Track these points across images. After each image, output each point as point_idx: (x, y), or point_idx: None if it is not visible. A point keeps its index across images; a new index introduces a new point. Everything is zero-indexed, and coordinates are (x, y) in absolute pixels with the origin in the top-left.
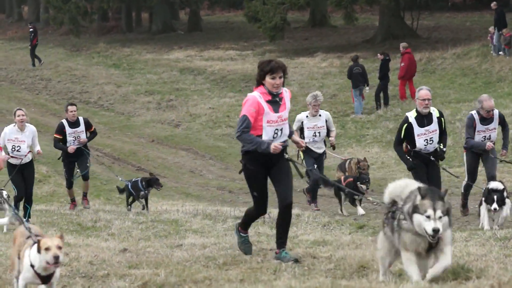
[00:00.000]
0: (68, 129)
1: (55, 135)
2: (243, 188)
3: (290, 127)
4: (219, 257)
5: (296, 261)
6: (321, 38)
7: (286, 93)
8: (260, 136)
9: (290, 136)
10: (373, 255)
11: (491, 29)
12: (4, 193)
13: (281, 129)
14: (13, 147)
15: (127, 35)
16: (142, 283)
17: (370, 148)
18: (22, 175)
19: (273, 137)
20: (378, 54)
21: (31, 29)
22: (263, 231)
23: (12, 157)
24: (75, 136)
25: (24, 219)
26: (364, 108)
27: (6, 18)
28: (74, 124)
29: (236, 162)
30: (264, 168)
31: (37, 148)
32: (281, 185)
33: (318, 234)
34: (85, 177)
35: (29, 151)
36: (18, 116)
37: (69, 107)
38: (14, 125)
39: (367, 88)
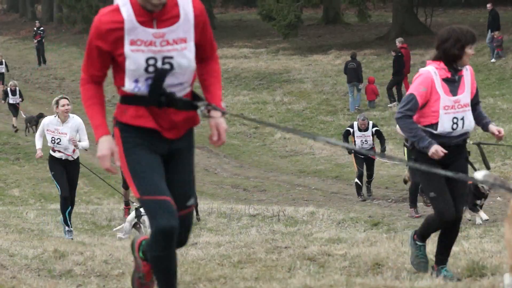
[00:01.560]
0: None
1: None
2: (258, 186)
3: (483, 115)
4: (234, 255)
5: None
6: (335, 36)
7: (467, 71)
8: (435, 125)
9: (485, 127)
10: (388, 252)
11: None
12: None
13: (462, 118)
14: (53, 139)
15: None
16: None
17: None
18: (66, 174)
19: (452, 129)
20: (392, 51)
21: (35, 27)
22: (277, 229)
23: (55, 150)
24: None
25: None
26: (378, 105)
27: (19, 17)
28: None
29: (250, 160)
30: (440, 165)
31: (85, 143)
32: (453, 194)
33: (332, 231)
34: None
35: (75, 147)
36: (62, 105)
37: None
38: (55, 116)
39: (360, 85)
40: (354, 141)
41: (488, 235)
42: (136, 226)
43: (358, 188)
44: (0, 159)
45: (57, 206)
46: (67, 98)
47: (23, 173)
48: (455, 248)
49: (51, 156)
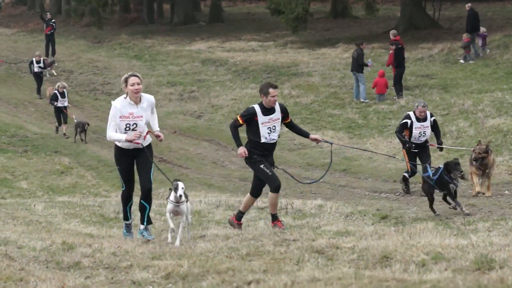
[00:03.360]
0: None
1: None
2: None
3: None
4: (242, 248)
5: None
6: (343, 29)
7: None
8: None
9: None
10: (396, 245)
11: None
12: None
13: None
14: (128, 125)
15: (149, 26)
16: (165, 274)
17: (392, 138)
18: (136, 164)
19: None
20: (390, 45)
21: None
22: (286, 222)
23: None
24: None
25: (143, 226)
26: (386, 99)
27: (28, 10)
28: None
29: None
30: None
31: (156, 128)
32: None
33: (341, 224)
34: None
35: (148, 131)
36: (132, 84)
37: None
38: (126, 97)
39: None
40: (409, 134)
41: (496, 228)
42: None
43: (405, 179)
44: (8, 151)
45: (64, 198)
46: (138, 76)
47: (31, 166)
48: (463, 241)
49: (117, 147)
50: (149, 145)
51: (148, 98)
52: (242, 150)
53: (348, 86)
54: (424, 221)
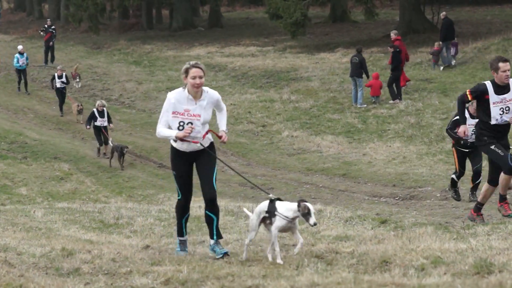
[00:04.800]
0: None
1: None
2: (265, 184)
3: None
4: (242, 253)
5: None
6: (342, 34)
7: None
8: None
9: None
10: (395, 250)
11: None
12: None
13: None
14: (181, 124)
15: (147, 32)
16: (164, 279)
17: (392, 143)
18: (196, 170)
19: None
20: (389, 47)
21: (45, 25)
22: None
23: (181, 140)
24: None
25: (213, 241)
26: (384, 103)
27: (26, 16)
28: None
29: (258, 158)
30: None
31: (223, 127)
32: None
33: (340, 229)
34: None
35: (209, 130)
36: (193, 77)
37: None
38: (184, 89)
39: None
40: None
41: (496, 232)
42: (265, 221)
43: (454, 183)
44: (8, 157)
45: (64, 205)
46: (201, 68)
47: (31, 172)
48: (462, 245)
49: (174, 149)
50: (211, 146)
51: (210, 95)
52: (463, 128)
53: (347, 91)
54: (424, 225)
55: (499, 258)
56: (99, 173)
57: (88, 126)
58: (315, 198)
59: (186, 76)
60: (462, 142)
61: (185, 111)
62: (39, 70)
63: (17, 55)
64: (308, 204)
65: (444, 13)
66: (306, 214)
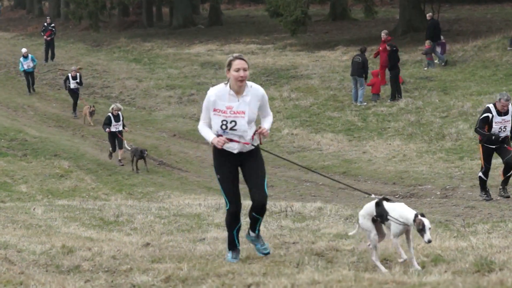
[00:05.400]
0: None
1: None
2: None
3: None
4: (242, 251)
5: None
6: (342, 32)
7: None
8: None
9: None
10: (395, 248)
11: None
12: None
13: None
14: (224, 123)
15: (148, 29)
16: (165, 277)
17: (392, 141)
18: (243, 173)
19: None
20: (386, 45)
21: (45, 23)
22: (285, 225)
23: (230, 139)
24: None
25: (254, 234)
26: (384, 101)
27: (26, 13)
28: None
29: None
30: None
31: (267, 124)
32: None
33: (340, 227)
34: None
35: (256, 131)
36: (237, 70)
37: None
38: (226, 84)
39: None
40: (488, 130)
41: (496, 230)
42: (375, 221)
43: (483, 183)
44: (8, 155)
45: (64, 202)
46: (245, 60)
47: (31, 169)
48: (462, 244)
49: (216, 150)
50: (258, 148)
51: (255, 90)
52: None
53: (347, 89)
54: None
55: (499, 256)
56: (99, 170)
57: (107, 129)
58: (315, 196)
59: (229, 69)
60: (493, 137)
61: (227, 109)
62: (39, 67)
63: (21, 58)
64: (424, 220)
65: (430, 14)
66: (420, 230)
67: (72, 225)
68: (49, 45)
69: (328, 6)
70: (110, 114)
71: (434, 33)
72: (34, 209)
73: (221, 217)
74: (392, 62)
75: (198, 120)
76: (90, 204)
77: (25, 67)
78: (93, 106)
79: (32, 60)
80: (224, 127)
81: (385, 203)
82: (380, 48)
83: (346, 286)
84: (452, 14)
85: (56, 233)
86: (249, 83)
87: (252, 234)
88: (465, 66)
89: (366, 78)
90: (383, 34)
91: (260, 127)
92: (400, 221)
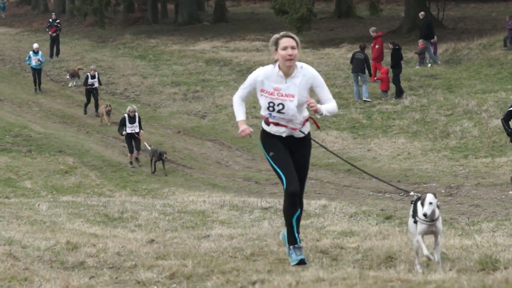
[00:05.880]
0: None
1: None
2: (270, 179)
3: None
4: (247, 248)
5: None
6: (347, 29)
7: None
8: None
9: None
10: (400, 246)
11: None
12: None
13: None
14: (271, 105)
15: (153, 26)
16: (169, 274)
17: (397, 138)
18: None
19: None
20: (389, 44)
21: (50, 19)
22: None
23: (271, 122)
24: None
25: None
26: (390, 99)
27: (31, 9)
28: None
29: (263, 153)
30: None
31: (325, 106)
32: None
33: (345, 224)
34: None
35: (307, 119)
36: (284, 48)
37: None
38: (275, 66)
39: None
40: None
41: (501, 229)
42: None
43: None
44: (12, 151)
45: (68, 198)
46: (293, 37)
47: (35, 165)
48: (467, 242)
49: (264, 131)
50: (309, 137)
51: (305, 71)
52: None
53: (352, 86)
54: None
55: (504, 254)
56: (104, 167)
57: (124, 133)
58: (320, 194)
59: (276, 49)
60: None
61: (274, 90)
62: (44, 63)
63: (30, 52)
64: (428, 194)
65: (422, 13)
66: (422, 204)
67: (76, 221)
68: (54, 41)
69: (333, 4)
70: (126, 115)
71: (427, 32)
72: (38, 205)
73: (225, 214)
74: (395, 61)
75: (203, 117)
76: (95, 201)
77: (33, 62)
78: (109, 106)
79: (42, 57)
80: (271, 109)
81: (419, 203)
82: (372, 45)
83: (350, 284)
84: (457, 12)
85: (60, 229)
86: (299, 63)
87: (292, 247)
88: (470, 64)
89: (370, 74)
90: (372, 32)
91: (315, 110)
92: (422, 219)
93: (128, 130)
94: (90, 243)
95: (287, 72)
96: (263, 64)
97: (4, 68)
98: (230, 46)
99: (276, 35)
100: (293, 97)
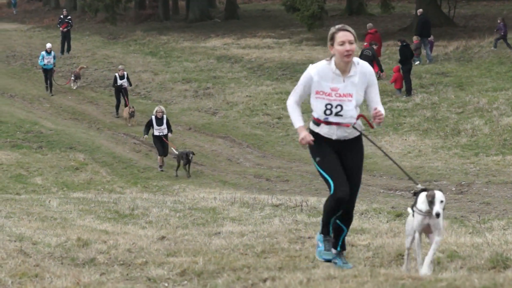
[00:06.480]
0: None
1: None
2: (280, 176)
3: None
4: (257, 245)
5: None
6: (358, 27)
7: None
8: None
9: None
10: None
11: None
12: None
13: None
14: (328, 107)
15: (164, 23)
16: (180, 271)
17: (407, 136)
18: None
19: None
20: (398, 41)
21: (61, 15)
22: (300, 219)
23: (322, 122)
24: None
25: (335, 251)
26: (400, 97)
27: (43, 6)
28: None
29: (273, 150)
30: None
31: (382, 107)
32: None
33: (356, 222)
34: None
35: (360, 115)
36: (342, 43)
37: None
38: (329, 62)
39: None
40: None
41: None
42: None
43: None
44: (23, 147)
45: (79, 195)
46: (351, 31)
47: (46, 162)
48: (478, 240)
49: (313, 133)
50: (360, 137)
51: (362, 68)
52: None
53: None
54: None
55: None
56: (114, 163)
57: (145, 136)
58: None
59: (332, 44)
60: None
61: (332, 91)
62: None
63: (43, 52)
64: (436, 192)
65: (420, 10)
66: (430, 202)
67: (87, 218)
68: (66, 38)
69: (344, 1)
70: (153, 116)
71: (423, 29)
72: (49, 202)
73: (236, 211)
74: (403, 57)
75: (214, 113)
76: (105, 197)
77: (45, 62)
78: (133, 107)
79: (54, 57)
80: (328, 112)
81: (421, 194)
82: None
83: (361, 282)
84: (469, 10)
85: (71, 225)
86: (355, 59)
87: (334, 251)
88: (481, 62)
89: (382, 70)
90: (368, 29)
91: (376, 109)
92: (419, 210)
93: (156, 133)
94: (100, 239)
95: (344, 69)
96: (274, 61)
97: (15, 64)
98: (241, 43)
99: (332, 29)
100: (351, 96)
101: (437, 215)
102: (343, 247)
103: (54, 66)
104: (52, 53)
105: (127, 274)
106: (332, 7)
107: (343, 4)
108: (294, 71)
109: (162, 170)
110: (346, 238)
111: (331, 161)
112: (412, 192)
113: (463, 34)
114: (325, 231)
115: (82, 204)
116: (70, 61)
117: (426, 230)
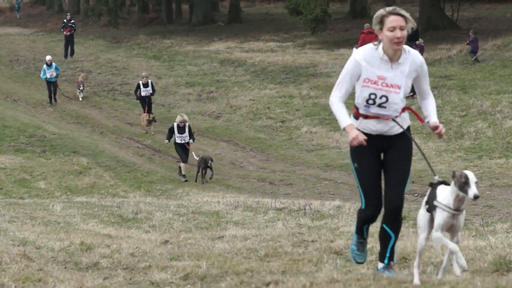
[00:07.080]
0: None
1: None
2: (284, 180)
3: None
4: (261, 249)
5: None
6: (361, 30)
7: None
8: None
9: None
10: (414, 247)
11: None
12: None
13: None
14: (372, 97)
15: (167, 26)
16: (183, 275)
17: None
18: (384, 163)
19: None
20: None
21: (64, 19)
22: (304, 223)
23: (367, 116)
24: None
25: (383, 264)
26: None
27: (46, 10)
28: None
29: (277, 154)
30: None
31: (435, 114)
32: None
33: None
34: None
35: (405, 108)
36: (392, 29)
37: None
38: (377, 47)
39: None
40: None
41: None
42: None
43: None
44: (27, 151)
45: (82, 199)
46: (403, 15)
47: (49, 166)
48: (481, 243)
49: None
50: (408, 130)
51: (414, 57)
52: None
53: None
54: None
55: None
56: (118, 167)
57: (167, 141)
58: (334, 194)
59: (381, 28)
60: None
61: (379, 79)
62: (58, 63)
63: (44, 67)
64: (467, 172)
65: (414, 15)
66: (463, 185)
67: (90, 222)
68: (69, 42)
69: (348, 4)
70: (175, 124)
71: (412, 34)
72: (52, 206)
73: (239, 214)
74: None
75: (217, 117)
76: (109, 201)
77: (48, 76)
78: (152, 114)
79: (56, 69)
80: (371, 101)
81: (440, 187)
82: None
83: (365, 285)
84: (472, 13)
85: (74, 230)
86: (405, 47)
87: (380, 265)
88: (485, 65)
89: None
90: (365, 28)
91: (435, 125)
92: (445, 205)
93: (178, 140)
94: (104, 244)
95: (393, 57)
96: (277, 65)
97: (19, 68)
98: (244, 47)
99: (382, 11)
100: (399, 88)
101: (476, 197)
102: (391, 258)
103: (57, 77)
104: (53, 64)
105: (130, 278)
106: (336, 10)
107: (347, 7)
108: (297, 74)
109: (186, 180)
110: (348, 240)
111: (368, 172)
112: (429, 184)
113: (466, 37)
114: (359, 233)
115: (86, 208)
116: (74, 65)
117: (451, 229)
